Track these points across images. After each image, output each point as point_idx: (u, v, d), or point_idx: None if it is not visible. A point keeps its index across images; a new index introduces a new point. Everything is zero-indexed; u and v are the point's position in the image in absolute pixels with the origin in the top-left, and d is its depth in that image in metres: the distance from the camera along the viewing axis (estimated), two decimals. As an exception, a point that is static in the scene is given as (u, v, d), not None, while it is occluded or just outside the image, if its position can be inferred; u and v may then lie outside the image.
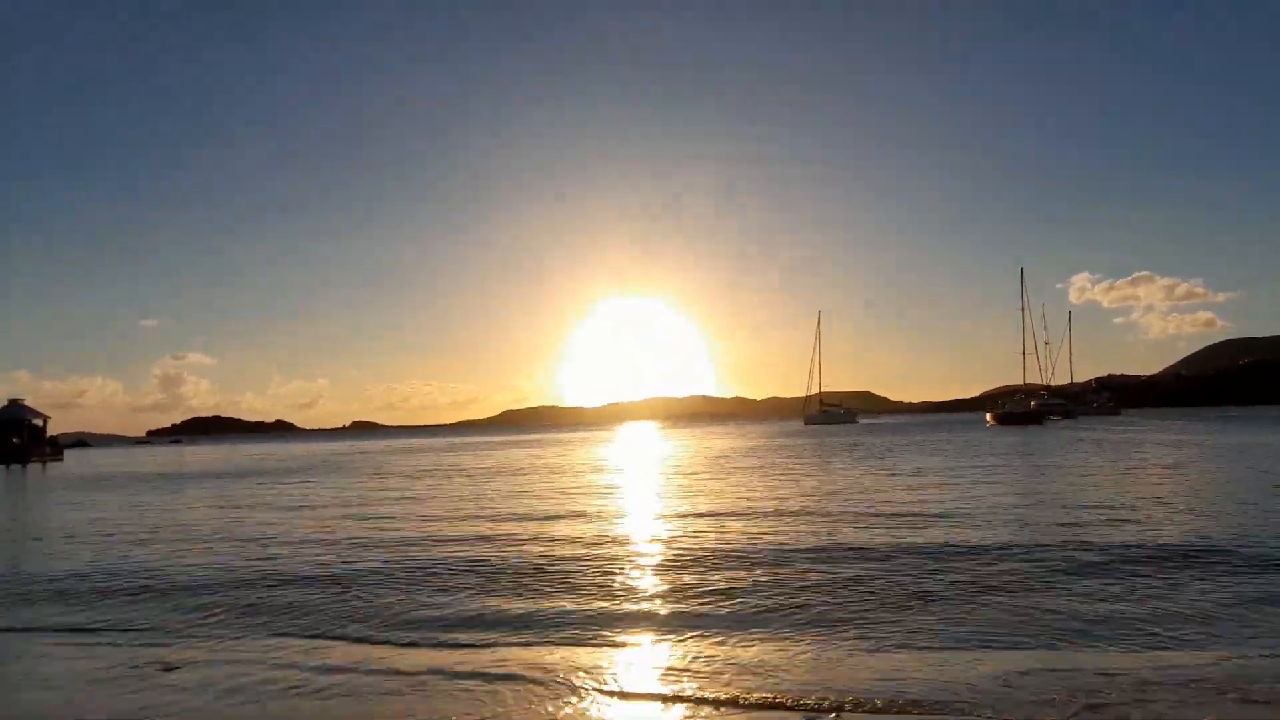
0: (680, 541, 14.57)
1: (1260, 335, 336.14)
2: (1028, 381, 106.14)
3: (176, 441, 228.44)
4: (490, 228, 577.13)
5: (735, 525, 16.52)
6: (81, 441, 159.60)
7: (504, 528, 17.30)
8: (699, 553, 13.22)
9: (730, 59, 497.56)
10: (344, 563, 13.62)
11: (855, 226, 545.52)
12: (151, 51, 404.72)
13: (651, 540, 14.94)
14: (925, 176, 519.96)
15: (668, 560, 12.84)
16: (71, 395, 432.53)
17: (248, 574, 12.89)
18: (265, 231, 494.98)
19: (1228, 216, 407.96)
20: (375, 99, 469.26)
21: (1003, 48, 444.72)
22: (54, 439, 78.86)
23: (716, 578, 11.30)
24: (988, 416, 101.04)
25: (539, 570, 12.27)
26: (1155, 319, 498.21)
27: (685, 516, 18.24)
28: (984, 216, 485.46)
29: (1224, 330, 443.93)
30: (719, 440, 75.49)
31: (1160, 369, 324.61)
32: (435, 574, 12.30)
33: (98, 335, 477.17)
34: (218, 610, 10.50)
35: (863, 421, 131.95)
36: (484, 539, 15.74)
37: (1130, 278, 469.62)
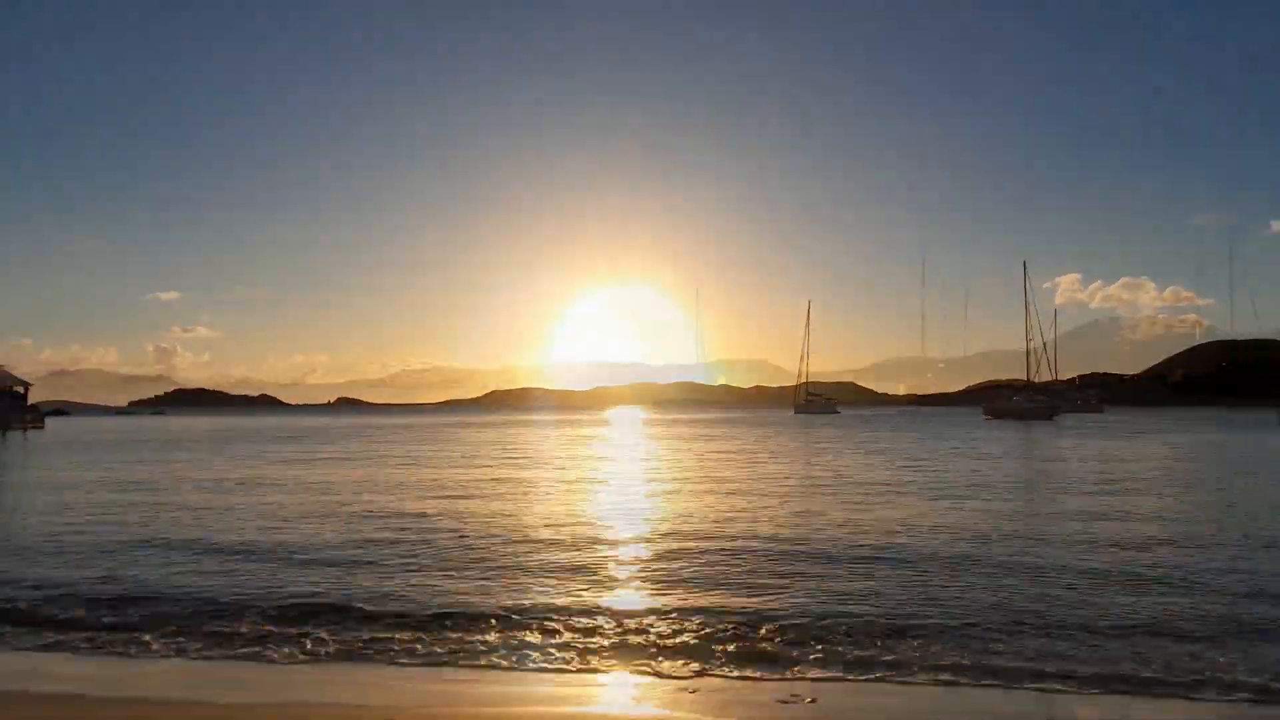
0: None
1: (1243, 338, 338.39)
2: (1032, 378, 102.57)
3: (159, 412, 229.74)
4: (491, 214, 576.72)
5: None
6: (61, 410, 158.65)
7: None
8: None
9: (728, 55, 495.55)
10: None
11: (848, 222, 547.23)
12: (173, 39, 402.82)
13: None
14: (921, 176, 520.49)
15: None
16: (66, 363, 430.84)
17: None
18: (281, 214, 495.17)
19: (1216, 223, 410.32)
20: (387, 92, 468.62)
21: (1005, 49, 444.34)
22: (35, 406, 78.64)
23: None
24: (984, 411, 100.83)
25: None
26: (1143, 320, 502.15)
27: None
28: (977, 216, 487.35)
29: (1209, 332, 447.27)
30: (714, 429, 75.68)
31: (1144, 369, 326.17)
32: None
33: (114, 307, 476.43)
34: None
35: (843, 412, 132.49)
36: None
37: (1120, 281, 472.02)
